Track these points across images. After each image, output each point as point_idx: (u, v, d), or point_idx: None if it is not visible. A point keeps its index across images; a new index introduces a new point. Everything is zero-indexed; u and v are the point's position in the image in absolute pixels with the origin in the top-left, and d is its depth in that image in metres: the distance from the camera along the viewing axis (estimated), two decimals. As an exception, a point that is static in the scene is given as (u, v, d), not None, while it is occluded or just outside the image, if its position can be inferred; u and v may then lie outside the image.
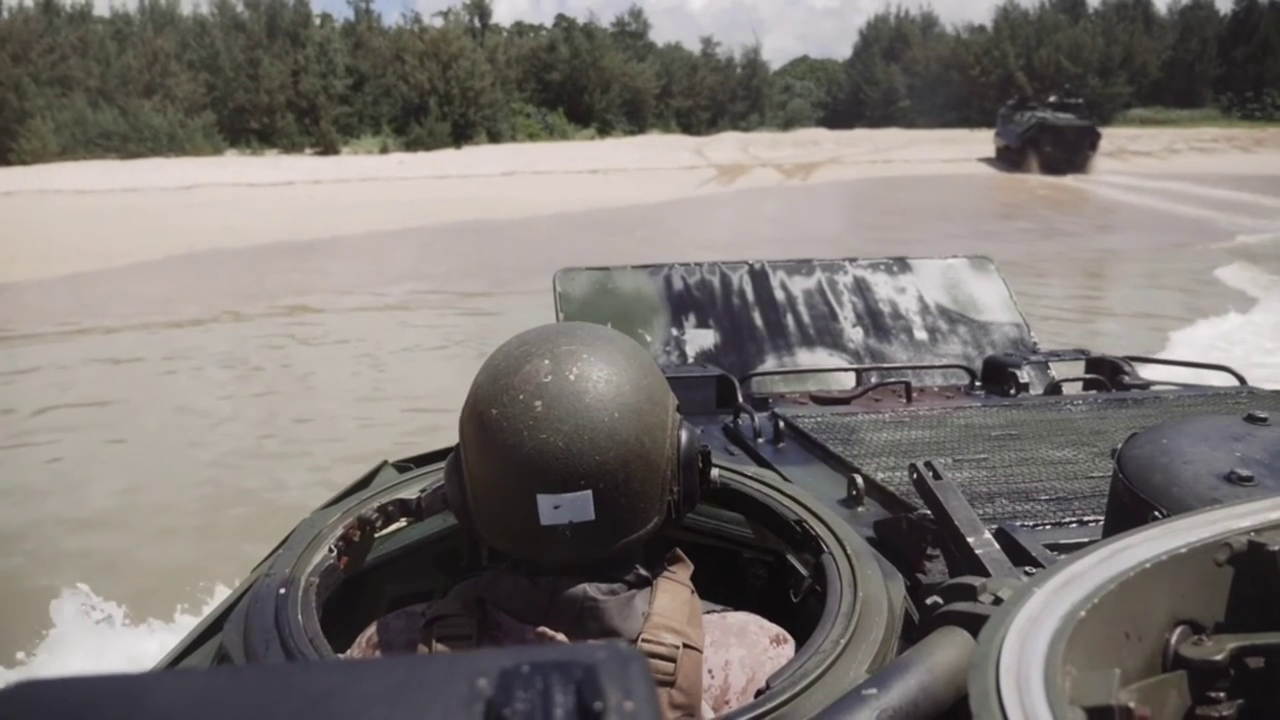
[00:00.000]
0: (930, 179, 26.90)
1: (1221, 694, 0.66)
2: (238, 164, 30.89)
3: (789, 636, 1.03)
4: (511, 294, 11.05)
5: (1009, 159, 30.31)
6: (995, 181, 27.36)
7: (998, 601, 0.78)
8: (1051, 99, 32.27)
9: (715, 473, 1.08)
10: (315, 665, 0.55)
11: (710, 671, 0.96)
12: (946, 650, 0.77)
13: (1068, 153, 28.81)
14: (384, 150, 37.72)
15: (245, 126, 38.37)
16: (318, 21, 42.53)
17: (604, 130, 44.91)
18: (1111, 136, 31.96)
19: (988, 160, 31.60)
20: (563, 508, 0.90)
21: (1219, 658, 0.65)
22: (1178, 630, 0.67)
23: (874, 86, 52.87)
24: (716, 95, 50.97)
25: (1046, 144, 29.10)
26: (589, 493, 0.90)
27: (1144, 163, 30.91)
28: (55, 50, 36.18)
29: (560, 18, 51.18)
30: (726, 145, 37.66)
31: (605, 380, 0.92)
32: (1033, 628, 0.61)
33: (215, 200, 21.74)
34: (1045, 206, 21.20)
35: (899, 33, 55.35)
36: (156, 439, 6.60)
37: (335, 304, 11.33)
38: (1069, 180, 26.89)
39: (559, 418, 0.89)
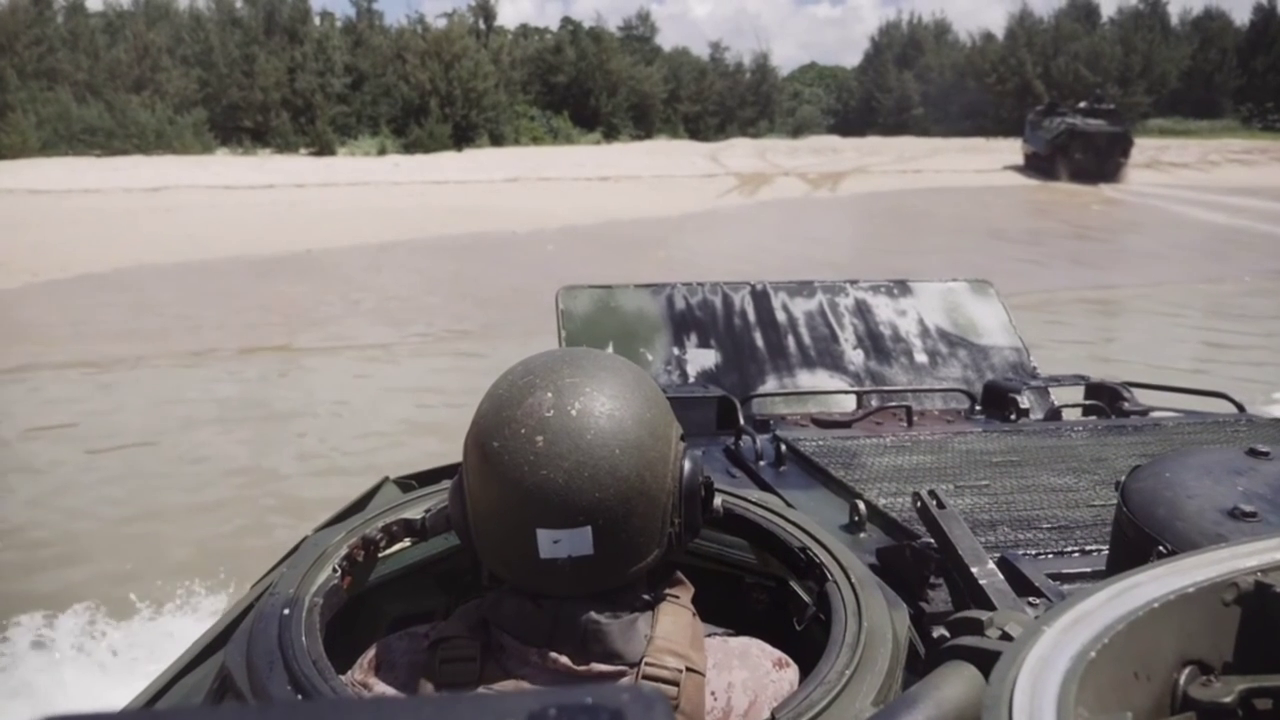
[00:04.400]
0: (969, 190, 25.15)
1: None
2: (217, 164, 28.97)
3: (791, 661, 1.03)
4: (508, 339, 8.69)
5: (1037, 166, 29.13)
6: (1042, 194, 25.49)
7: (1006, 637, 0.79)
8: (1082, 104, 30.85)
9: (718, 500, 1.06)
10: (343, 703, 0.55)
11: (713, 694, 0.95)
12: (955, 685, 0.76)
13: (1099, 160, 27.66)
14: (382, 152, 36.26)
15: (238, 125, 36.95)
16: (318, 20, 41.14)
17: (610, 135, 43.54)
18: (1139, 147, 30.54)
19: (1016, 168, 30.29)
20: (562, 542, 0.90)
21: (1227, 699, 0.65)
22: (1186, 671, 0.67)
23: (887, 94, 51.52)
24: (725, 101, 49.72)
25: (1076, 151, 27.95)
26: (588, 529, 0.89)
27: (1186, 175, 29.39)
28: (43, 42, 34.83)
29: (566, 20, 49.88)
30: (742, 152, 36.00)
31: (607, 416, 0.91)
32: (1044, 668, 0.60)
33: (183, 204, 19.79)
34: (1118, 226, 19.25)
35: (912, 39, 54.01)
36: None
37: (278, 352, 9.01)
38: (1123, 194, 25.25)
39: (560, 454, 0.89)
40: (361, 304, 11.29)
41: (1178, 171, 30.14)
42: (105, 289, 11.65)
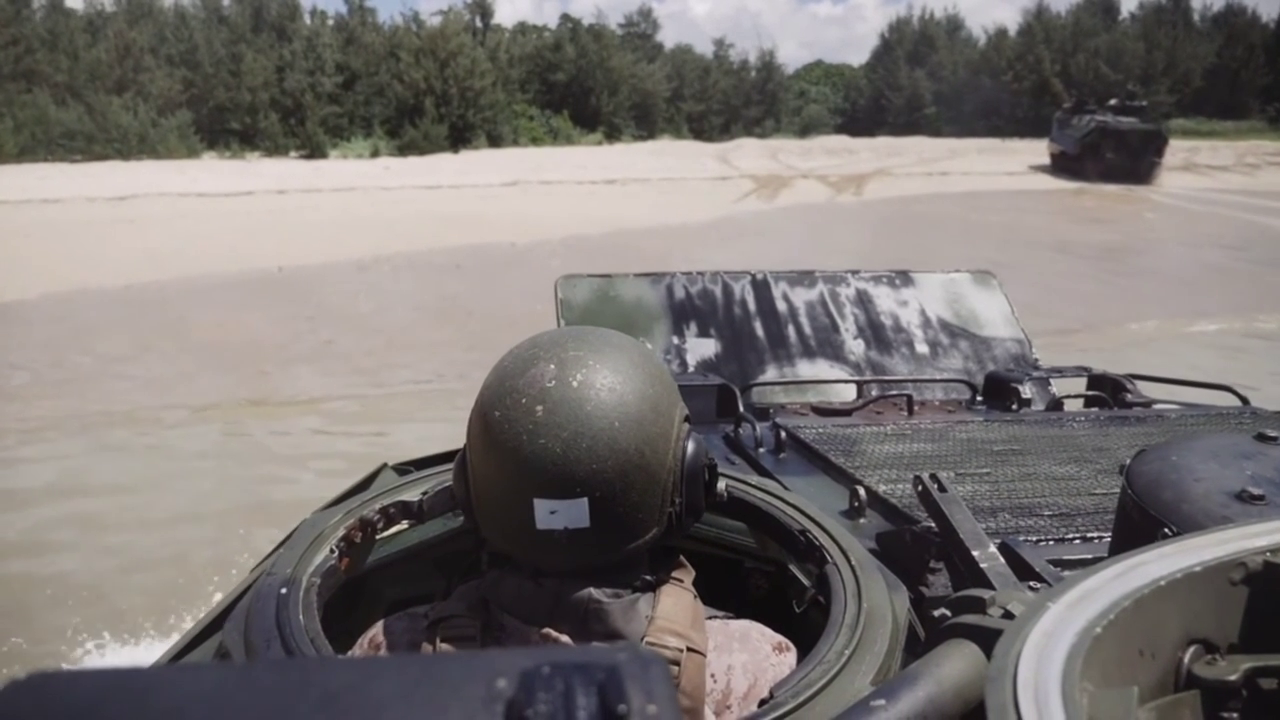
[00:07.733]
0: (1005, 195, 23.26)
1: (1234, 714, 0.66)
2: (195, 168, 27.16)
3: (791, 645, 1.03)
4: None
5: (1065, 167, 27.75)
6: (1086, 200, 23.43)
7: (1007, 615, 0.78)
8: (1112, 102, 29.39)
9: (722, 484, 1.06)
10: (330, 661, 0.54)
11: (713, 675, 0.95)
12: (955, 663, 0.75)
13: (1131, 160, 26.25)
14: (375, 154, 34.73)
15: (225, 127, 35.41)
16: (307, 17, 39.55)
17: (612, 135, 42.02)
18: (1168, 149, 28.91)
19: (1043, 169, 28.82)
20: (559, 513, 0.90)
21: (1232, 678, 0.65)
22: (1191, 649, 0.67)
23: (897, 92, 49.89)
24: (730, 99, 48.20)
25: (1108, 150, 26.55)
26: (585, 500, 0.89)
27: (1229, 178, 27.63)
28: (20, 42, 33.30)
29: (565, 17, 48.32)
30: (752, 153, 34.32)
31: (609, 388, 0.91)
32: (1049, 643, 0.61)
33: (149, 214, 17.86)
34: (1194, 238, 16.95)
35: (924, 35, 52.35)
36: None
37: (219, 417, 6.98)
38: (1175, 199, 23.34)
39: (559, 424, 0.89)
40: (334, 344, 9.40)
41: (1219, 175, 28.41)
42: (29, 322, 9.86)
